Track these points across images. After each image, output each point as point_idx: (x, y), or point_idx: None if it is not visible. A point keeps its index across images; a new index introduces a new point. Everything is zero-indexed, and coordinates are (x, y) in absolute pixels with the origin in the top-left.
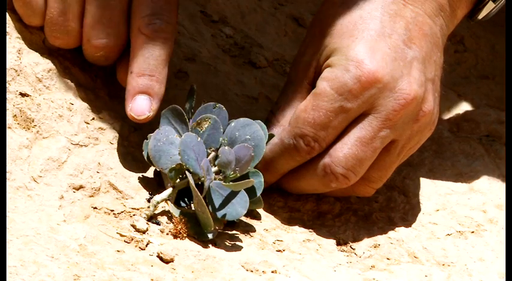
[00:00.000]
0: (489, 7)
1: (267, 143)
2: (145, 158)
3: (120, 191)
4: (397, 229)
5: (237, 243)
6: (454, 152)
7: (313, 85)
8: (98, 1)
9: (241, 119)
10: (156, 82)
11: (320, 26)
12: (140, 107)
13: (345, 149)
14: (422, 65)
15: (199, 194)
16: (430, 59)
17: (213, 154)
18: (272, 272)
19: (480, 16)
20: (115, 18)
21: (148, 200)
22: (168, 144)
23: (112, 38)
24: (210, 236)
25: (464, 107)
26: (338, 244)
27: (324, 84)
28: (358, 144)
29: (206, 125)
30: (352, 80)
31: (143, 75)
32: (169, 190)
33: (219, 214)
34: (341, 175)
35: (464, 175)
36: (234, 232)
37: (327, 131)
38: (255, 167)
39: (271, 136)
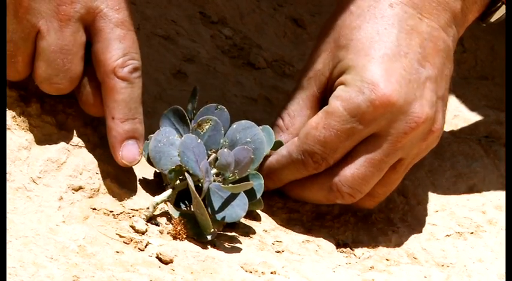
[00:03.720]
0: (502, 10)
1: (273, 149)
2: (146, 159)
3: (119, 192)
4: (396, 230)
5: (236, 244)
6: (453, 153)
7: (324, 95)
8: (51, 46)
9: (243, 121)
10: (139, 124)
11: (335, 35)
12: (131, 153)
13: (353, 170)
14: (435, 83)
15: (197, 195)
16: (442, 74)
17: (213, 155)
18: (271, 273)
19: (493, 19)
20: (68, 63)
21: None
22: (169, 145)
23: (65, 82)
24: (208, 238)
25: (463, 108)
26: (337, 245)
27: (337, 103)
28: (367, 165)
29: (207, 127)
30: (365, 103)
31: (127, 121)
32: (168, 191)
33: (219, 216)
34: (347, 193)
35: (464, 176)
36: (233, 232)
37: (336, 151)
38: (258, 172)
39: (278, 143)
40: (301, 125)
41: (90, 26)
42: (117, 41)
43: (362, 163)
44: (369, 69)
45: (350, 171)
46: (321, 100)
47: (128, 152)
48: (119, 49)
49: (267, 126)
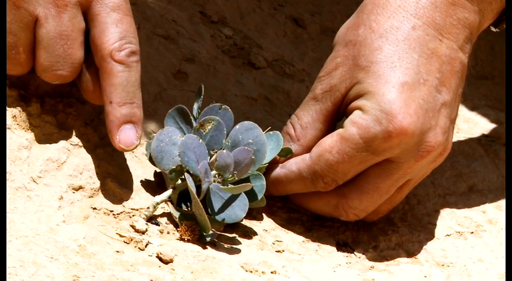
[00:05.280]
0: None
1: (281, 155)
2: (148, 158)
3: (119, 192)
4: (396, 229)
5: (237, 244)
6: (453, 152)
7: (337, 109)
8: (50, 32)
9: (246, 122)
10: (137, 108)
11: (354, 52)
12: (128, 137)
13: (361, 194)
14: (449, 108)
15: (196, 196)
16: (456, 94)
17: (215, 156)
18: (271, 272)
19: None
20: (68, 49)
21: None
22: (171, 145)
23: (67, 68)
24: (207, 239)
25: (463, 107)
26: (337, 244)
27: (353, 130)
28: (376, 189)
29: (209, 127)
30: (382, 134)
31: (124, 105)
32: (169, 191)
33: (219, 217)
34: (353, 213)
35: (464, 176)
36: (233, 232)
37: (347, 175)
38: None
39: (286, 149)
40: (312, 138)
41: (87, 12)
42: (113, 25)
43: (371, 187)
44: (388, 98)
45: (358, 195)
46: (334, 115)
47: (125, 137)
48: (116, 33)
49: (277, 132)
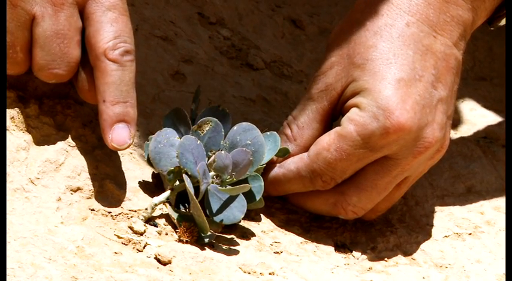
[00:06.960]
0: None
1: (278, 155)
2: (146, 159)
3: (117, 193)
4: (394, 230)
5: (235, 245)
6: (451, 153)
7: (334, 109)
8: (46, 31)
9: (244, 123)
10: (130, 108)
11: (349, 51)
12: (121, 136)
13: (360, 191)
14: (446, 104)
15: (194, 197)
16: (452, 91)
17: (213, 157)
18: (270, 274)
19: (502, 23)
20: (64, 48)
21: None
22: (169, 146)
23: (63, 67)
24: (206, 240)
25: (461, 108)
26: (336, 245)
27: (350, 127)
28: (374, 186)
29: (207, 128)
30: (379, 130)
31: (118, 103)
32: (167, 192)
33: (217, 218)
34: (351, 211)
35: (462, 177)
36: (231, 233)
37: (346, 172)
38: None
39: (284, 150)
40: (309, 137)
41: (83, 10)
42: (108, 24)
43: (369, 184)
44: (384, 95)
45: (357, 192)
46: (331, 114)
47: (117, 136)
48: (110, 32)
49: (274, 132)
